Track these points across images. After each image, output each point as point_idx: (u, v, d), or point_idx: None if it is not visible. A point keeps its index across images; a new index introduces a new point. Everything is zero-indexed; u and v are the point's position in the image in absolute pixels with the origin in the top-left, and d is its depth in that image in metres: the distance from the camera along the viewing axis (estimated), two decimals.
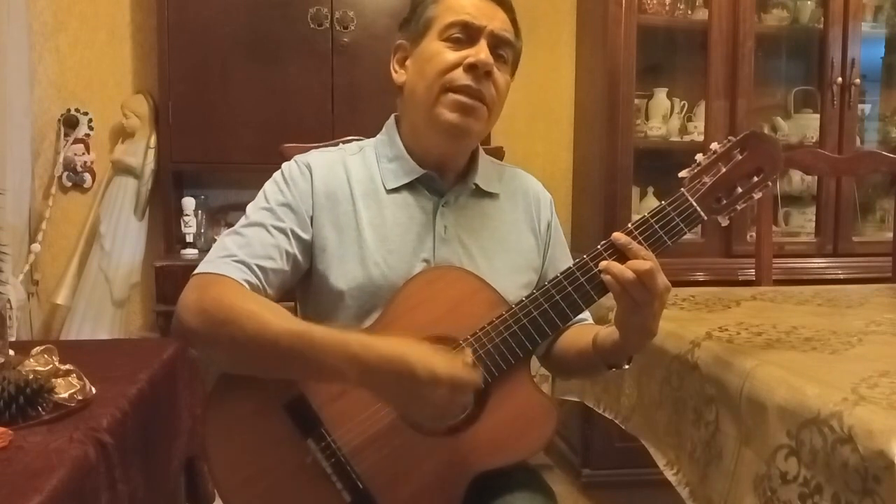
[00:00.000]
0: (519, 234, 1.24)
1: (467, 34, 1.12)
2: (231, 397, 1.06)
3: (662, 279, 1.02)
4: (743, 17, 2.59)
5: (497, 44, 1.14)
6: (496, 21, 1.14)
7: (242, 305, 1.01)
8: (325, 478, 1.04)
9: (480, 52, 1.11)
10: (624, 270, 1.00)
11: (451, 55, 1.12)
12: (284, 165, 1.18)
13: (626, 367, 1.13)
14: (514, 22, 1.18)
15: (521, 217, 1.26)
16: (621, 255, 1.04)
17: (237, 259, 1.07)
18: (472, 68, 1.11)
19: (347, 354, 0.97)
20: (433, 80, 1.12)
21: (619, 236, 1.05)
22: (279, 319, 1.00)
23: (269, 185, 1.16)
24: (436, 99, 1.12)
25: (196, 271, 1.07)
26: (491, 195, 1.23)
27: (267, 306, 1.02)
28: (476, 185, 1.21)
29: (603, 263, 1.03)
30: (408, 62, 1.18)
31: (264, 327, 0.99)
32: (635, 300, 1.01)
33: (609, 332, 1.10)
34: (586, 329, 1.19)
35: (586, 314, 1.22)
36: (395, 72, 1.19)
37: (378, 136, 1.24)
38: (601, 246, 1.06)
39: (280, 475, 1.04)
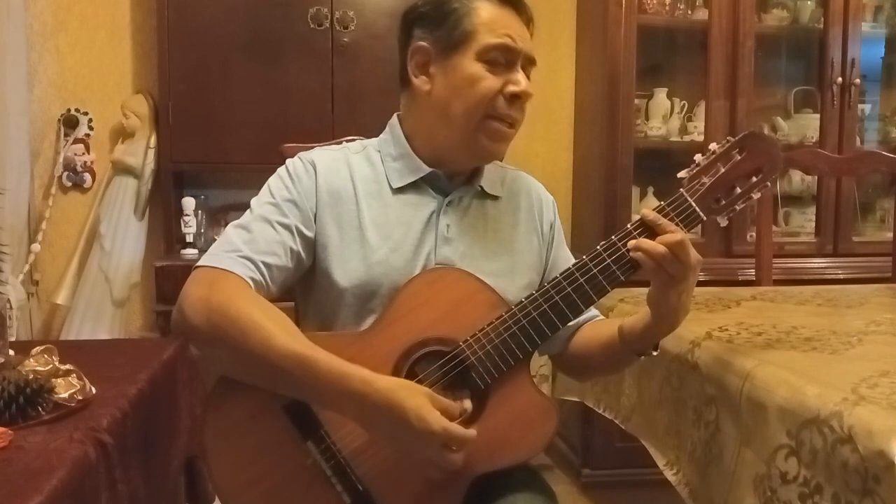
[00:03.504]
0: (521, 235, 1.24)
1: (507, 58, 1.12)
2: (230, 399, 1.06)
3: (694, 252, 1.02)
4: (743, 17, 2.59)
5: (525, 65, 1.15)
6: (527, 42, 1.14)
7: (249, 314, 1.00)
8: (325, 480, 1.04)
9: (522, 80, 1.12)
10: (656, 245, 1.01)
11: (494, 82, 1.11)
12: (289, 162, 1.18)
13: (655, 353, 1.13)
14: (531, 34, 1.18)
15: (524, 219, 1.26)
16: (650, 233, 1.04)
17: (242, 255, 1.07)
18: (515, 98, 1.12)
19: (347, 390, 0.97)
20: (475, 106, 1.12)
21: (647, 212, 1.06)
22: (284, 337, 0.99)
23: (273, 181, 1.16)
24: (477, 125, 1.12)
25: (200, 263, 1.07)
26: (494, 197, 1.24)
27: (273, 318, 1.01)
28: (481, 187, 1.22)
29: (632, 242, 1.03)
30: (432, 70, 1.15)
31: (268, 343, 0.98)
32: (670, 275, 1.01)
33: (637, 319, 1.10)
34: (606, 323, 1.20)
35: (594, 311, 1.22)
36: (416, 77, 1.16)
37: (381, 135, 1.24)
38: (631, 225, 1.07)
39: (280, 477, 1.04)
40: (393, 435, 0.98)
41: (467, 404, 1.01)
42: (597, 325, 1.22)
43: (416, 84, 1.16)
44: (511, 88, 1.11)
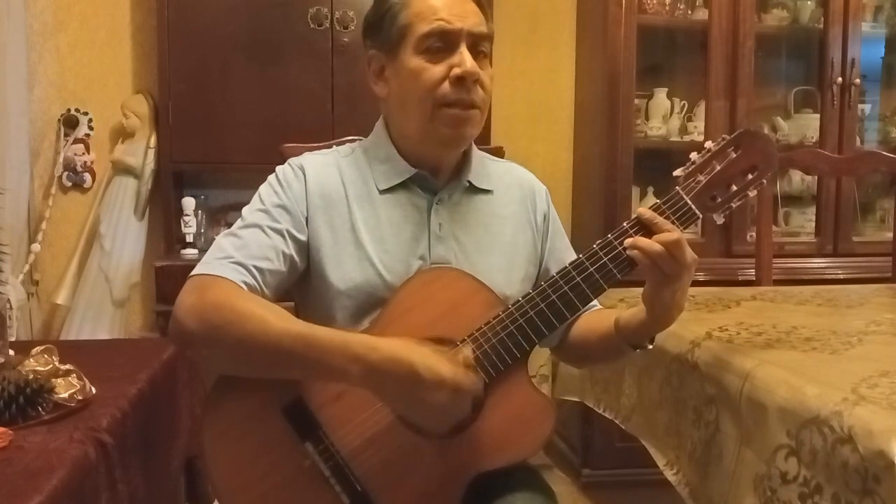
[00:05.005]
0: (515, 228, 1.24)
1: (445, 42, 1.10)
2: (229, 400, 1.06)
3: (690, 251, 1.03)
4: (743, 17, 2.59)
5: (475, 41, 1.12)
6: (469, 18, 1.11)
7: (243, 306, 1.01)
8: (324, 481, 1.04)
9: (464, 61, 1.09)
10: (652, 244, 1.01)
11: (436, 70, 1.10)
12: (278, 168, 1.18)
13: (650, 346, 1.14)
14: (480, 5, 1.15)
15: (517, 211, 1.25)
16: (646, 231, 1.05)
17: (234, 260, 1.06)
18: (460, 80, 1.10)
19: (351, 355, 0.97)
20: (423, 99, 1.11)
21: (644, 211, 1.06)
22: (280, 320, 1.00)
23: (263, 188, 1.16)
24: (430, 116, 1.11)
25: (193, 273, 1.07)
26: (485, 191, 1.23)
27: (267, 307, 1.02)
28: (469, 182, 1.21)
29: (628, 240, 1.04)
30: (386, 73, 1.16)
31: (266, 328, 0.99)
32: (665, 273, 1.02)
33: (634, 313, 1.11)
34: (605, 314, 1.20)
35: (594, 301, 1.22)
36: (375, 84, 1.18)
37: (369, 137, 1.24)
38: (627, 223, 1.07)
39: (278, 478, 1.04)
40: (403, 391, 0.98)
41: (467, 351, 1.02)
42: (594, 315, 1.22)
43: (377, 91, 1.18)
44: (454, 71, 1.09)
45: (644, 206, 1.09)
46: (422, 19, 1.10)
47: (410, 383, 0.96)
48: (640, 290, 1.08)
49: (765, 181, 1.11)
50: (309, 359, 0.99)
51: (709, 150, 1.10)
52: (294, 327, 1.00)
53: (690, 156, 1.11)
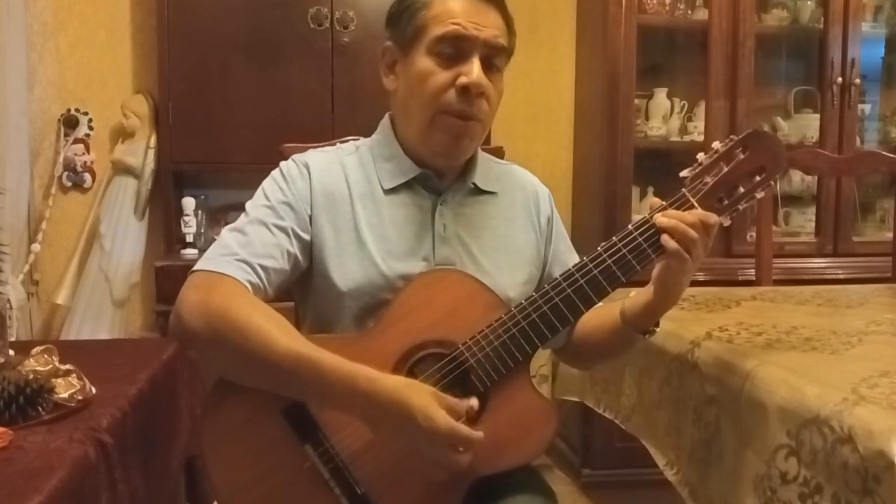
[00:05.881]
0: (518, 230, 1.24)
1: (458, 48, 1.09)
2: (228, 401, 1.05)
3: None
4: (743, 17, 2.59)
5: (490, 54, 1.11)
6: (488, 29, 1.10)
7: (249, 317, 0.99)
8: (324, 483, 1.03)
9: (473, 70, 1.08)
10: (684, 215, 1.02)
11: (443, 76, 1.09)
12: (283, 164, 1.17)
13: (657, 329, 1.15)
14: (506, 18, 1.15)
15: (520, 213, 1.25)
16: (652, 234, 1.04)
17: (239, 258, 1.06)
18: (465, 90, 1.09)
19: (352, 390, 0.97)
20: (426, 103, 1.10)
21: (659, 217, 1.04)
22: (286, 338, 0.99)
23: (268, 184, 1.16)
24: (430, 121, 1.11)
25: (196, 268, 1.06)
26: (489, 193, 1.23)
27: (273, 320, 1.01)
28: (474, 184, 1.21)
29: (659, 217, 1.03)
30: (397, 68, 1.15)
31: (270, 345, 0.98)
32: (689, 249, 1.01)
33: (637, 301, 1.11)
34: (606, 309, 1.18)
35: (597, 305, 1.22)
36: (385, 76, 1.18)
37: (374, 135, 1.23)
38: (632, 226, 1.06)
39: (278, 481, 1.04)
40: (399, 434, 0.98)
41: (474, 402, 1.01)
42: (596, 311, 1.20)
43: (386, 84, 1.17)
44: (461, 80, 1.08)
45: (645, 207, 1.08)
46: (438, 21, 1.09)
47: (406, 429, 0.96)
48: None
49: (772, 183, 1.09)
50: (311, 384, 0.98)
51: (716, 151, 1.08)
52: (299, 349, 0.98)
53: (697, 156, 1.09)
